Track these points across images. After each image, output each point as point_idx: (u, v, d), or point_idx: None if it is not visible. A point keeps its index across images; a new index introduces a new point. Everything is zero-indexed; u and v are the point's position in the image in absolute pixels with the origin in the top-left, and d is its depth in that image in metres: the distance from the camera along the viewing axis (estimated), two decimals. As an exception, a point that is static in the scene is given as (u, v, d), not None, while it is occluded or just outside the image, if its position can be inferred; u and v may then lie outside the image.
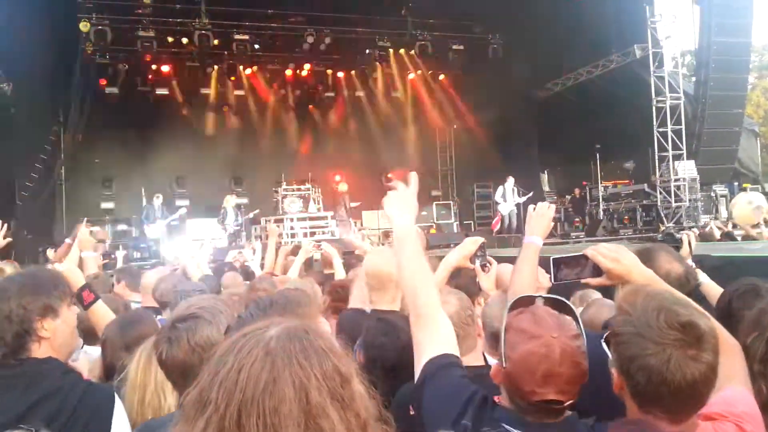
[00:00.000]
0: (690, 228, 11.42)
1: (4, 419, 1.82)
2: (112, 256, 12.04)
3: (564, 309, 1.71)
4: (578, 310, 3.47)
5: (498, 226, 17.07)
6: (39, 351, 2.11)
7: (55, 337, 2.15)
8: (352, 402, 1.08)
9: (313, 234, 17.31)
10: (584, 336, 1.64)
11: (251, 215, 16.42)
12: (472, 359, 2.29)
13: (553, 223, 2.76)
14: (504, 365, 1.63)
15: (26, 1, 13.46)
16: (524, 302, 1.74)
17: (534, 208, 2.69)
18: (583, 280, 2.18)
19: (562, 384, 1.55)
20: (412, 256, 2.00)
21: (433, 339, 1.85)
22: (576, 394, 1.59)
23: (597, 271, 2.10)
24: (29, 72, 14.80)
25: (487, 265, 3.20)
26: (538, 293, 1.87)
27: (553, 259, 2.21)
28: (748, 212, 10.12)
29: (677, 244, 3.75)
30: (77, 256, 4.81)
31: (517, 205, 16.61)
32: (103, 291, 4.26)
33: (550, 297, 1.76)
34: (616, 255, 2.09)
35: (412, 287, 1.95)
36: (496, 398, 1.73)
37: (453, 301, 2.36)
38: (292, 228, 17.62)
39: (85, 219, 5.96)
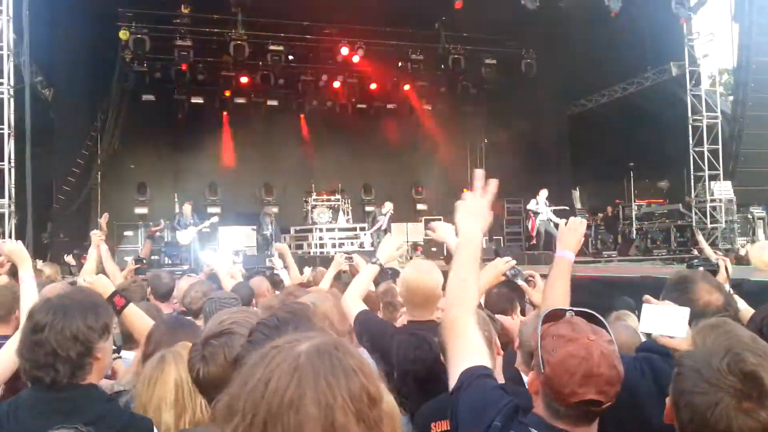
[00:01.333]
0: (726, 251, 11.18)
1: None
2: (144, 261, 12.25)
3: (594, 320, 1.74)
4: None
5: (535, 231, 16.63)
6: (90, 372, 2.12)
7: (104, 357, 2.19)
8: (379, 424, 1.07)
9: (341, 245, 17.37)
10: (615, 344, 1.67)
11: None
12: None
13: (583, 239, 2.71)
14: (542, 370, 1.65)
15: (67, 11, 13.81)
16: (557, 314, 1.77)
17: (566, 223, 2.68)
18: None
19: (602, 384, 1.58)
20: (466, 264, 2.03)
21: (468, 349, 1.86)
22: (613, 396, 1.61)
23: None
24: (69, 79, 15.18)
25: (530, 279, 3.27)
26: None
27: (647, 307, 2.07)
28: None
29: (713, 268, 3.65)
30: (95, 257, 4.94)
31: (549, 220, 16.27)
32: (140, 297, 4.32)
33: (581, 309, 1.79)
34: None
35: (452, 296, 1.99)
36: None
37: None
38: (321, 238, 17.71)
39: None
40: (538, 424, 1.66)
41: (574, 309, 1.78)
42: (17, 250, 3.18)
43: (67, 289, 3.58)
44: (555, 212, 15.85)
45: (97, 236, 5.35)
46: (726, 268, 4.52)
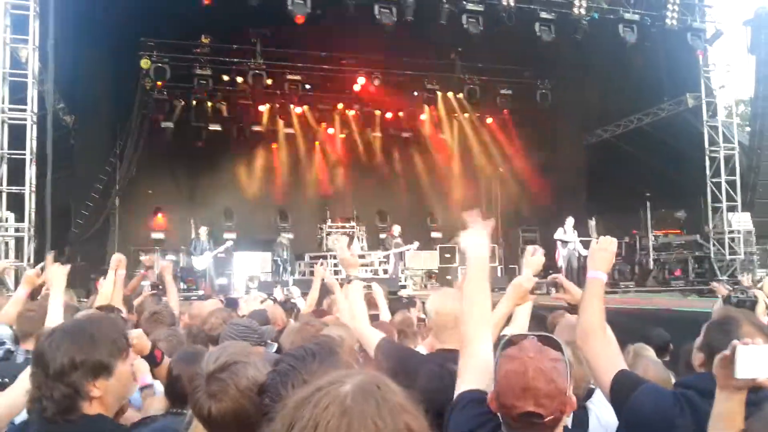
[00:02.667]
0: (757, 282, 10.98)
1: None
2: (160, 287, 12.29)
3: (550, 343, 1.83)
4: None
5: (559, 262, 16.29)
6: (89, 408, 1.98)
7: (107, 395, 2.02)
8: None
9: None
10: (567, 363, 1.77)
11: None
12: None
13: (614, 259, 2.67)
14: (493, 387, 1.82)
15: (90, 40, 14.10)
16: (515, 340, 1.87)
17: (597, 242, 2.63)
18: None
19: (540, 397, 1.69)
20: (477, 288, 2.17)
21: (469, 370, 2.00)
22: (556, 410, 1.71)
23: None
24: (90, 106, 15.46)
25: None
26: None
27: (739, 348, 1.78)
28: None
29: (751, 299, 3.62)
30: (113, 281, 4.90)
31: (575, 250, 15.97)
32: (169, 322, 4.30)
33: (541, 334, 1.90)
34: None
35: (467, 318, 2.12)
36: None
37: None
38: (335, 266, 17.68)
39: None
40: None
41: (536, 334, 1.88)
42: (59, 275, 3.27)
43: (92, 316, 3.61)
44: (582, 243, 15.66)
45: (116, 259, 5.08)
46: (765, 300, 4.46)
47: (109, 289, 4.85)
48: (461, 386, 1.97)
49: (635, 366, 3.27)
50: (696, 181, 15.69)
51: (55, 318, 2.98)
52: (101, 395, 1.99)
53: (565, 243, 15.89)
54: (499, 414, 1.82)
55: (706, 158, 15.35)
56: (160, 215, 19.78)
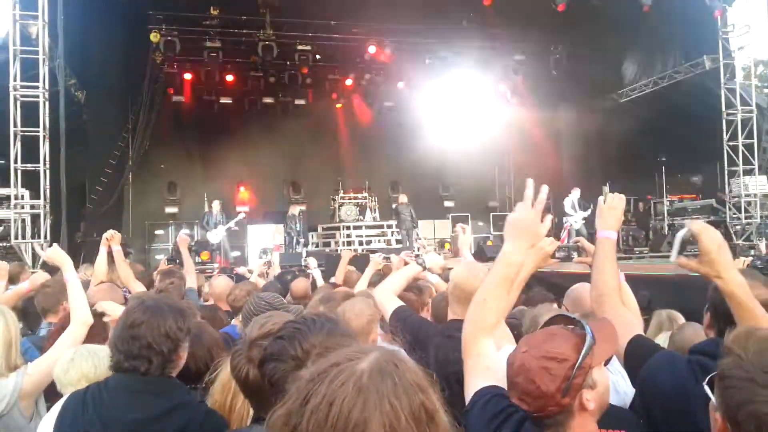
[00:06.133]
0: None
1: (144, 416, 2.04)
2: (177, 261, 12.38)
3: (568, 340, 1.69)
4: (662, 334, 3.38)
5: (566, 240, 16.51)
6: (175, 368, 2.35)
7: (184, 357, 2.39)
8: None
9: (369, 243, 17.41)
10: (575, 364, 1.61)
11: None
12: None
13: (623, 217, 2.61)
14: None
15: (99, 15, 14.03)
16: (545, 324, 1.84)
17: (604, 201, 2.54)
18: (672, 260, 2.10)
19: (520, 393, 1.66)
20: (494, 284, 1.98)
21: (479, 370, 1.90)
22: (539, 408, 1.63)
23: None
24: (101, 81, 15.43)
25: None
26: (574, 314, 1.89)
27: (675, 235, 2.13)
28: None
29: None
30: (104, 257, 4.93)
31: (585, 219, 16.04)
32: (178, 296, 4.38)
33: (574, 323, 1.76)
34: (721, 242, 2.05)
35: (473, 310, 1.99)
36: None
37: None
38: (348, 236, 17.77)
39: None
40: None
41: (570, 323, 1.76)
42: (58, 255, 3.39)
43: (114, 290, 3.77)
44: (586, 216, 15.66)
45: (106, 236, 5.04)
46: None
47: (102, 265, 4.88)
48: (471, 386, 1.87)
49: (681, 331, 3.26)
50: (712, 145, 15.46)
51: (77, 292, 3.12)
52: (183, 356, 2.36)
53: (573, 214, 16.00)
54: None
55: (723, 121, 15.10)
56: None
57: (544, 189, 2.05)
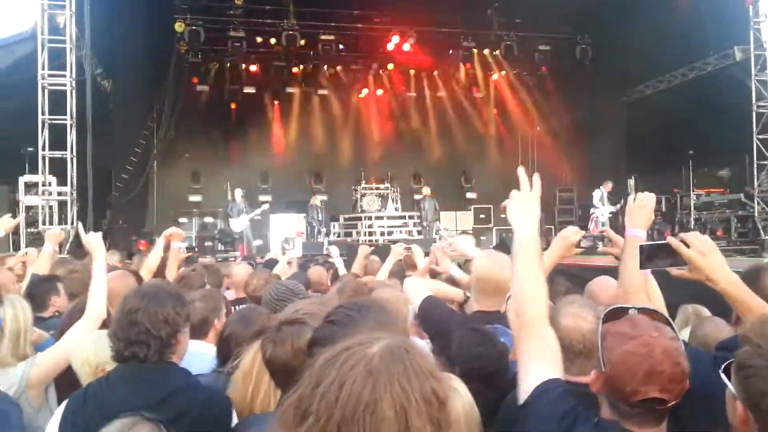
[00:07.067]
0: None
1: (142, 404, 2.01)
2: (195, 249, 12.52)
3: (658, 317, 1.71)
4: (687, 329, 3.33)
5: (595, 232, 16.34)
6: (174, 353, 2.37)
7: (185, 341, 2.43)
8: (447, 427, 1.09)
9: (390, 233, 17.42)
10: (681, 341, 1.65)
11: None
12: None
13: (653, 216, 2.62)
14: (603, 369, 1.65)
15: (125, 4, 14.14)
16: (618, 312, 1.74)
17: (634, 199, 2.55)
18: (667, 268, 2.14)
19: (665, 382, 1.56)
20: (527, 267, 1.95)
21: (540, 357, 1.79)
22: (679, 394, 1.58)
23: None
24: (127, 70, 15.57)
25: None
26: (632, 305, 1.81)
27: (640, 246, 2.20)
28: None
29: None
30: (159, 251, 4.99)
31: (612, 214, 15.90)
32: (199, 284, 4.42)
33: (644, 307, 1.77)
34: (703, 248, 2.06)
35: (522, 299, 1.91)
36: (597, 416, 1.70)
37: (590, 318, 2.27)
38: (370, 227, 17.79)
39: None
40: (612, 429, 1.64)
41: (637, 307, 1.75)
42: (95, 243, 3.38)
43: (125, 277, 3.74)
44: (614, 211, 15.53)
45: (166, 234, 5.04)
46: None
47: (155, 259, 4.91)
48: (532, 373, 1.76)
49: (701, 325, 3.22)
50: (741, 138, 15.15)
51: (99, 283, 3.12)
52: (181, 342, 2.39)
53: (600, 207, 15.85)
54: (606, 399, 1.68)
55: (753, 114, 14.79)
56: None
57: (537, 177, 2.12)
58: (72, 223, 11.81)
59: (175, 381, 2.31)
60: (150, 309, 2.29)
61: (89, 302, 3.04)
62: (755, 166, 14.88)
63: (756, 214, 14.81)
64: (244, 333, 2.76)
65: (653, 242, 2.20)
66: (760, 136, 14.75)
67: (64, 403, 2.32)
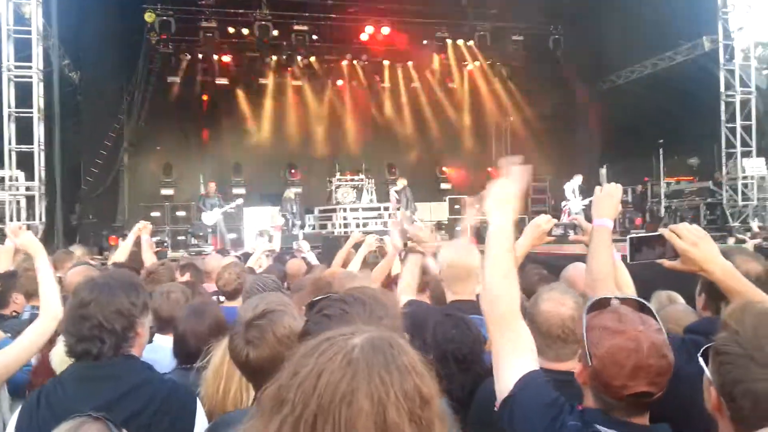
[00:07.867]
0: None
1: (97, 403, 1.89)
2: (165, 243, 12.40)
3: (642, 308, 1.72)
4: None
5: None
6: (133, 346, 2.23)
7: (144, 333, 2.31)
8: (431, 426, 1.05)
9: (365, 225, 17.40)
10: (664, 331, 1.66)
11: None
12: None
13: (620, 207, 2.65)
14: (590, 363, 1.64)
15: (94, -7, 13.89)
16: (602, 303, 1.74)
17: (601, 189, 2.55)
18: (659, 261, 2.17)
19: (653, 376, 1.57)
20: (498, 257, 1.90)
21: (515, 351, 1.78)
22: (664, 386, 1.60)
23: (676, 252, 2.11)
24: (96, 61, 15.30)
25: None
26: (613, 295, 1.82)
27: (630, 238, 2.22)
28: None
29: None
30: (130, 243, 5.00)
31: (585, 207, 16.06)
32: (168, 279, 4.37)
33: (627, 297, 1.78)
34: (696, 239, 2.08)
35: (493, 291, 1.87)
36: (579, 406, 1.71)
37: (570, 304, 2.28)
38: (345, 218, 17.75)
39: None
40: (602, 420, 1.64)
41: (620, 297, 1.76)
42: (31, 242, 3.14)
43: (89, 271, 3.65)
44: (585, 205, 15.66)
45: (138, 227, 5.33)
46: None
47: (124, 250, 4.91)
48: (511, 369, 1.75)
49: (668, 308, 3.24)
50: (710, 127, 15.41)
51: (48, 281, 2.89)
52: (141, 332, 2.26)
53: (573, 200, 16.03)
54: (591, 391, 1.68)
55: (722, 103, 15.04)
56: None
57: (527, 168, 2.10)
58: (41, 219, 11.59)
59: (134, 377, 2.17)
60: (102, 301, 2.14)
61: (42, 304, 2.80)
62: (723, 154, 15.16)
63: (724, 201, 15.11)
64: (200, 328, 2.72)
65: (643, 234, 2.23)
66: (729, 125, 15.02)
67: (20, 407, 2.19)
